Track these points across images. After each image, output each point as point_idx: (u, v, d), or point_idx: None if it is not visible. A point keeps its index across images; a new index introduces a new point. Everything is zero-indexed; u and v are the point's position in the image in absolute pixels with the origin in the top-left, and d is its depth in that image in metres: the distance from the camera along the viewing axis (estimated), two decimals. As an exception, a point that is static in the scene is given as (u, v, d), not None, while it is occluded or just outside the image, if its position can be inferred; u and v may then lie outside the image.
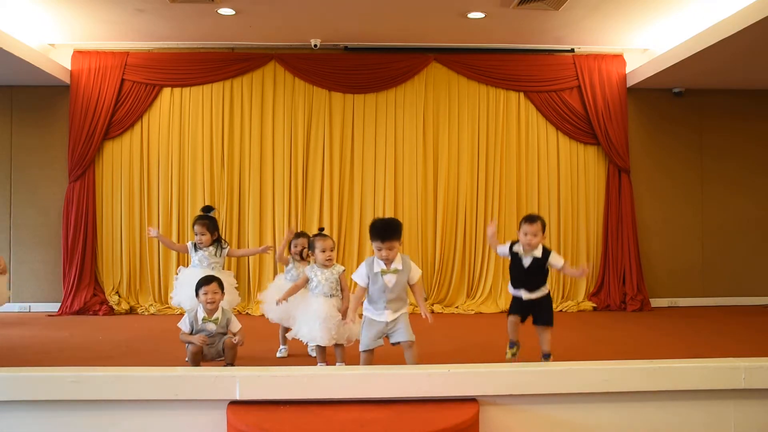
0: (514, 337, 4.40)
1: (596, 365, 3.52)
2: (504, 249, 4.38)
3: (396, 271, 3.71)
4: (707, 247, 7.97)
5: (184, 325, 4.08)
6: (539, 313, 4.32)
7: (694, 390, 3.38)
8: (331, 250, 4.16)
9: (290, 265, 4.79)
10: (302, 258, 4.70)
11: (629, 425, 3.38)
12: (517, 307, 4.35)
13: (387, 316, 3.70)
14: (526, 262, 4.25)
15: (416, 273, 3.78)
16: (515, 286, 4.33)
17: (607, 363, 3.60)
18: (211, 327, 4.06)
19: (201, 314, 4.07)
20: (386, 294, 3.69)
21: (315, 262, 4.22)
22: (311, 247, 4.23)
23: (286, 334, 4.43)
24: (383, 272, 3.70)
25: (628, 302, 7.51)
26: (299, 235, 4.86)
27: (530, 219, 4.30)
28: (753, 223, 8.03)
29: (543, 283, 4.32)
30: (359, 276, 3.76)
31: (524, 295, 4.27)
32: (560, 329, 5.54)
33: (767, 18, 5.32)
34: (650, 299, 7.64)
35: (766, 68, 6.93)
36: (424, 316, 3.70)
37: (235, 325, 4.15)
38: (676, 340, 5.63)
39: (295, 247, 4.76)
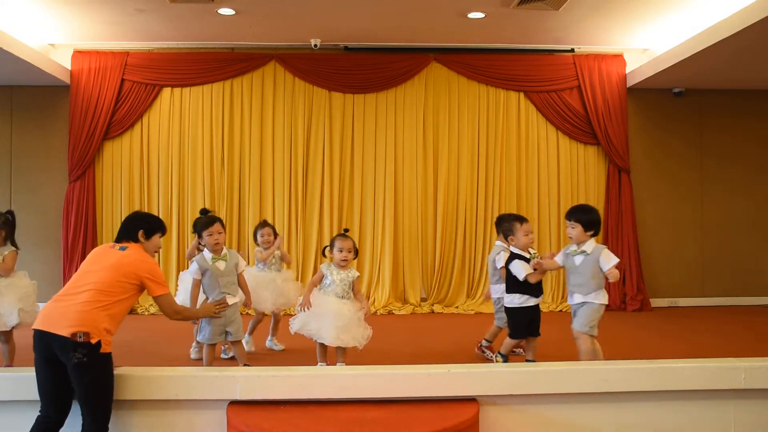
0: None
1: (596, 365, 3.53)
2: (519, 266, 4.24)
3: None
4: (707, 247, 7.97)
5: (193, 273, 4.13)
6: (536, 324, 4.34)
7: (694, 390, 3.38)
8: (349, 252, 4.14)
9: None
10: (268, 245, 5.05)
11: (629, 425, 3.38)
12: (526, 326, 4.29)
13: None
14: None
15: None
16: (537, 294, 4.28)
17: (607, 363, 3.61)
18: (222, 265, 4.13)
19: (209, 255, 4.15)
20: None
21: (333, 261, 4.23)
22: (331, 245, 4.24)
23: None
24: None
25: (628, 302, 7.51)
26: (264, 224, 5.14)
27: (523, 218, 4.35)
28: (753, 222, 8.02)
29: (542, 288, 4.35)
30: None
31: (541, 300, 4.30)
32: (560, 329, 5.53)
33: (767, 18, 5.31)
34: (650, 299, 7.63)
35: (766, 68, 6.93)
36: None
37: (241, 265, 4.28)
38: (676, 340, 5.63)
39: (262, 236, 5.05)
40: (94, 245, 7.40)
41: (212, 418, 3.22)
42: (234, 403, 3.20)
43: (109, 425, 2.99)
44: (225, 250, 4.20)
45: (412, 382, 3.28)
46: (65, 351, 2.88)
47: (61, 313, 2.95)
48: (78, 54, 7.46)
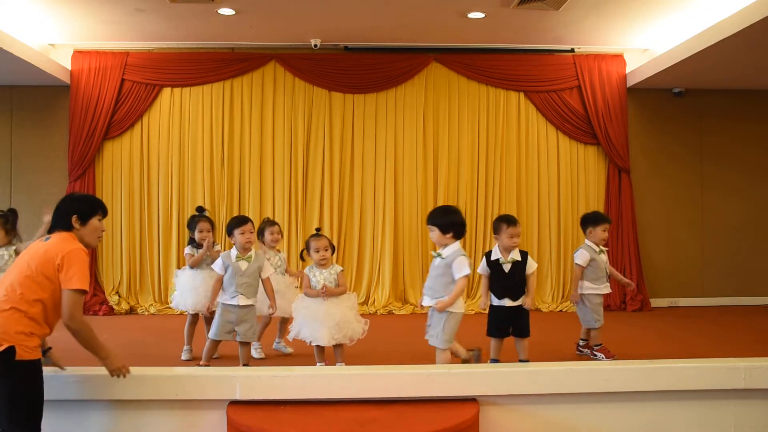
0: (498, 356, 4.39)
1: (596, 365, 3.53)
2: (483, 266, 4.39)
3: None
4: (707, 248, 7.97)
5: (218, 268, 4.18)
6: (519, 324, 4.33)
7: (694, 390, 3.38)
8: (325, 250, 4.17)
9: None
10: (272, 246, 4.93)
11: (629, 425, 3.38)
12: (497, 327, 4.35)
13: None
14: (507, 267, 4.29)
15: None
16: (499, 296, 4.33)
17: (607, 363, 3.61)
18: (243, 265, 4.15)
19: (234, 253, 4.19)
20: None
21: (313, 262, 4.23)
22: (307, 247, 4.25)
23: (287, 335, 4.39)
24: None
25: (628, 302, 7.51)
26: (272, 222, 5.05)
27: (512, 221, 4.35)
28: (753, 223, 8.01)
29: (524, 290, 4.33)
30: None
31: (508, 302, 4.27)
32: (561, 329, 5.55)
33: (767, 18, 5.32)
34: (650, 299, 7.63)
35: (766, 68, 6.93)
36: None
37: (267, 271, 4.28)
38: (676, 340, 5.63)
39: (272, 234, 4.93)
40: (94, 245, 7.39)
41: (212, 418, 3.22)
42: (234, 403, 3.21)
43: (109, 425, 2.97)
44: (252, 252, 4.22)
45: (412, 382, 3.28)
46: None
47: None
48: (78, 54, 7.46)
